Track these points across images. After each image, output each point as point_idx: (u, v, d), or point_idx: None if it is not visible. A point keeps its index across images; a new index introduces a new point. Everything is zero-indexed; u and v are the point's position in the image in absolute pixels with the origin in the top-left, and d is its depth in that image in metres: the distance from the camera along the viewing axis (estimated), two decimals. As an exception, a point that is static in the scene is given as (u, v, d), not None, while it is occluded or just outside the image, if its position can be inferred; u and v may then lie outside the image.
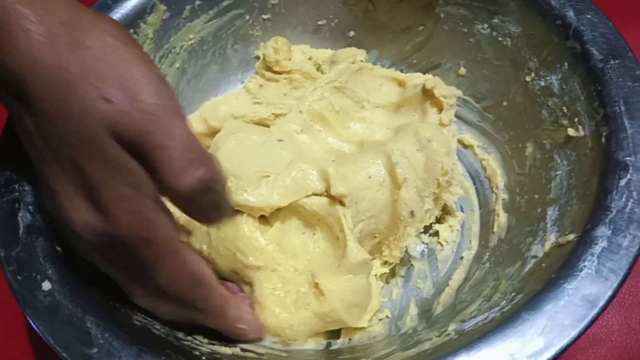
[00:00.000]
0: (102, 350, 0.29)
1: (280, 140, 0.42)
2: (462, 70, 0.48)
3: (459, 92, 0.45)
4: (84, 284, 0.33)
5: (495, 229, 0.42)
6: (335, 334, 0.39)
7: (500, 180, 0.44)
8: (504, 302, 0.32)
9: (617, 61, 0.37)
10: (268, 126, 0.46)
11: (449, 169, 0.40)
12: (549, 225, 0.36)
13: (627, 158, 0.33)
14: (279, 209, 0.39)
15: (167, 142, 0.26)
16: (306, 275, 0.38)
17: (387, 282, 0.42)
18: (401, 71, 0.50)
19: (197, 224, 0.38)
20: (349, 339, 0.39)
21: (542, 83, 0.41)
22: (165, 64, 0.47)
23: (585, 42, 0.38)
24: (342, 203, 0.38)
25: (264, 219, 0.39)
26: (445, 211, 0.44)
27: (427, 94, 0.44)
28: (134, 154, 0.26)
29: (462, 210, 0.45)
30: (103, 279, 0.36)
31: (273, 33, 0.51)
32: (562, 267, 0.30)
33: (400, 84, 0.47)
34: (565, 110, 0.39)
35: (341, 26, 0.51)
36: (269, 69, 0.50)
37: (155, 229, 0.28)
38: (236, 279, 0.39)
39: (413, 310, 0.40)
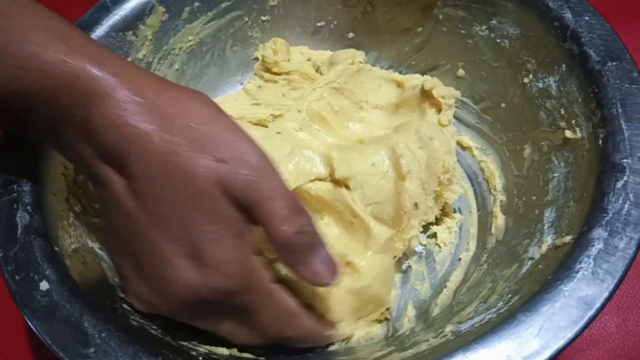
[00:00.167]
0: (99, 350, 0.30)
1: (279, 133, 0.42)
2: (461, 72, 0.48)
3: (458, 93, 0.45)
4: (82, 284, 0.33)
5: (493, 231, 0.42)
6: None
7: (498, 182, 0.44)
8: (501, 303, 0.32)
9: (614, 63, 0.37)
10: (267, 127, 0.46)
11: (450, 167, 0.40)
12: (546, 227, 0.36)
13: (624, 160, 0.33)
14: None
15: (273, 195, 0.28)
16: None
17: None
18: (400, 72, 0.50)
19: None
20: (346, 341, 0.39)
21: (540, 85, 0.41)
22: (165, 66, 0.48)
23: (582, 44, 0.38)
24: (347, 187, 0.38)
25: None
26: (444, 212, 0.44)
27: (425, 94, 0.44)
28: (239, 207, 0.28)
29: (460, 212, 0.45)
30: (102, 279, 0.36)
31: (272, 34, 0.51)
32: (559, 268, 0.31)
33: (399, 85, 0.47)
34: (562, 112, 0.39)
35: (340, 28, 0.51)
36: (267, 70, 0.50)
37: (256, 274, 0.30)
38: None
39: (411, 311, 0.40)
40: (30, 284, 0.32)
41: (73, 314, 0.31)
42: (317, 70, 0.50)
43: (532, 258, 0.35)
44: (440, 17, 0.47)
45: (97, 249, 0.38)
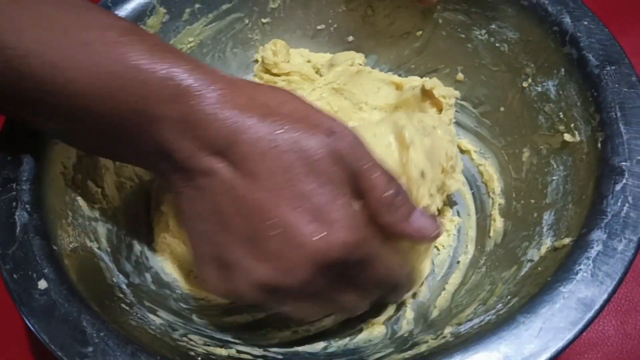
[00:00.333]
0: (98, 350, 0.29)
1: None
2: (460, 76, 0.48)
3: (457, 93, 0.45)
4: (80, 282, 0.32)
5: (491, 234, 0.42)
6: (334, 334, 0.39)
7: (496, 185, 0.44)
8: (500, 305, 0.32)
9: (613, 67, 0.37)
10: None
11: (453, 154, 0.40)
12: (544, 230, 0.36)
13: (623, 163, 0.33)
14: None
15: (375, 164, 0.30)
16: None
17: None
18: (399, 76, 0.50)
19: None
20: (345, 344, 0.39)
21: (539, 89, 0.42)
22: (165, 66, 0.48)
23: (581, 48, 0.38)
24: None
25: None
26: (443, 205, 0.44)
27: (426, 94, 0.44)
28: (348, 175, 0.30)
29: (458, 215, 0.45)
30: (100, 279, 0.36)
31: (272, 37, 0.51)
32: (558, 270, 0.31)
33: (398, 87, 0.48)
34: (561, 116, 0.39)
35: (340, 31, 0.52)
36: (267, 71, 0.50)
37: (370, 226, 0.30)
38: None
39: (409, 314, 0.40)
40: (28, 283, 0.32)
41: (71, 312, 0.31)
42: (316, 72, 0.50)
43: (531, 260, 0.35)
44: (440, 21, 0.48)
45: (95, 249, 0.37)
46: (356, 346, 0.38)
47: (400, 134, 0.39)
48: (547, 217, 0.37)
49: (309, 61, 0.51)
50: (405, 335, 0.38)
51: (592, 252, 0.30)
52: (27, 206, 0.34)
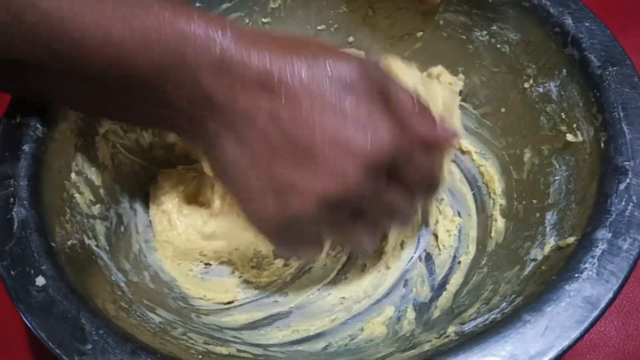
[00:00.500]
0: (97, 347, 0.29)
1: None
2: (461, 77, 0.48)
3: (461, 83, 0.46)
4: (79, 279, 0.32)
5: (493, 234, 0.42)
6: (333, 334, 0.38)
7: (497, 186, 0.44)
8: (504, 304, 0.32)
9: (615, 68, 0.37)
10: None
11: (450, 104, 0.41)
12: (547, 230, 0.36)
13: (626, 163, 0.33)
14: None
15: (397, 82, 0.33)
16: None
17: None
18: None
19: None
20: (346, 344, 0.38)
21: (540, 90, 0.42)
22: (164, 65, 0.47)
23: (583, 49, 0.39)
24: None
25: None
26: (443, 215, 0.44)
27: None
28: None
29: (459, 215, 0.45)
30: (99, 276, 0.35)
31: (272, 36, 0.51)
32: (563, 269, 0.30)
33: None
34: (563, 117, 0.39)
35: (341, 31, 0.51)
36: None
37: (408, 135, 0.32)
38: None
39: (410, 314, 0.40)
40: (26, 279, 0.31)
41: (70, 310, 0.30)
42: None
43: (534, 260, 0.35)
44: (441, 22, 0.48)
45: (93, 247, 0.37)
46: (357, 346, 0.38)
47: (393, 63, 0.40)
48: (550, 217, 0.37)
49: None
50: (407, 335, 0.38)
51: (597, 251, 0.30)
52: (24, 202, 0.34)
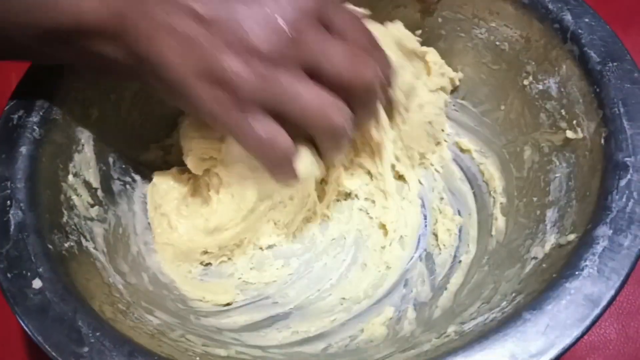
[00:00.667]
0: (93, 350, 0.29)
1: None
2: (460, 75, 0.48)
3: (461, 75, 0.47)
4: (76, 282, 0.32)
5: (493, 233, 0.42)
6: (333, 335, 0.38)
7: (498, 184, 0.44)
8: (505, 303, 0.32)
9: (615, 64, 0.37)
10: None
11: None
12: (548, 227, 0.36)
13: (627, 159, 0.33)
14: None
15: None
16: None
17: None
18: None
19: None
20: (346, 345, 0.38)
21: (540, 86, 0.41)
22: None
23: (583, 45, 0.38)
24: None
25: None
26: (443, 215, 0.44)
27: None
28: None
29: (459, 214, 0.45)
30: (96, 278, 0.35)
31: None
32: (563, 267, 0.30)
33: None
34: (563, 113, 0.39)
35: (339, 30, 0.51)
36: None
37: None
38: None
39: (411, 314, 0.40)
40: (22, 282, 0.31)
41: (66, 312, 0.30)
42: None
43: (535, 258, 0.35)
44: (440, 20, 0.47)
45: (91, 249, 0.37)
46: (357, 347, 0.37)
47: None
48: (551, 214, 0.36)
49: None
50: (407, 335, 0.37)
51: (598, 248, 0.30)
52: (21, 204, 0.34)
